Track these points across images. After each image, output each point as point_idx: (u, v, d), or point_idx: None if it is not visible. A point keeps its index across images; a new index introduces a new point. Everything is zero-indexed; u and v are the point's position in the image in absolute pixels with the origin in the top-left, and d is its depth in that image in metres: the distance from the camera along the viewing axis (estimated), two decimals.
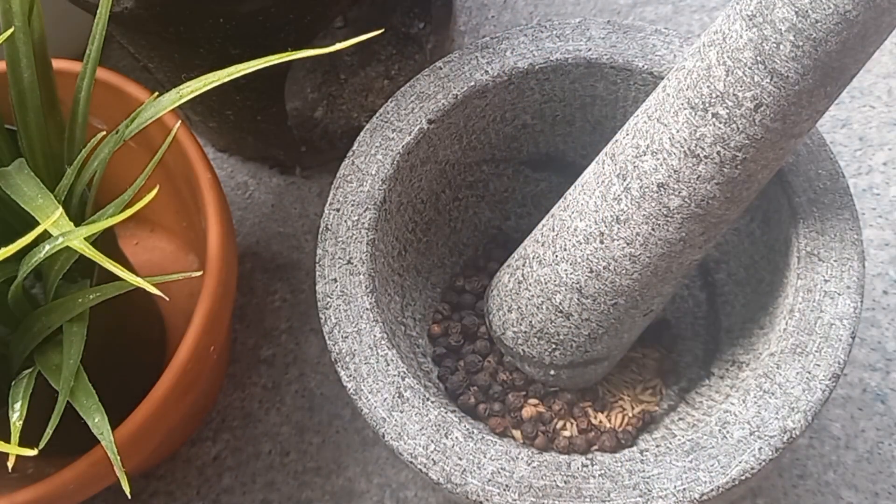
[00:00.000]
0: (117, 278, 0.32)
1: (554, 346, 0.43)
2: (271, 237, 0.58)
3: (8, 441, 0.32)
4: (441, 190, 0.47)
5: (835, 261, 0.39)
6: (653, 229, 0.37)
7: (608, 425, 0.45)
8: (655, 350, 0.47)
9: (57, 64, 0.40)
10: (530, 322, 0.43)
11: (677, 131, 0.35)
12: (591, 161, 0.40)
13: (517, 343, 0.44)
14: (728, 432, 0.36)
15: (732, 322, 0.45)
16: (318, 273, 0.41)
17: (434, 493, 0.50)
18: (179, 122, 0.44)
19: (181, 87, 0.36)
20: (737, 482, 0.35)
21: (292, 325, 0.55)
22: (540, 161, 0.49)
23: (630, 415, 0.45)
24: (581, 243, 0.39)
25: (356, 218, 0.42)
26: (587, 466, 0.36)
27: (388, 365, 0.39)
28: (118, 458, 0.34)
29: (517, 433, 0.44)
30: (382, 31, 0.40)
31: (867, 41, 0.31)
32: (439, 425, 0.37)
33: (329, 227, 0.42)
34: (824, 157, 0.41)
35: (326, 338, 0.40)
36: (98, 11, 0.38)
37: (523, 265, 0.43)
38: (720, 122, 0.34)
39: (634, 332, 0.43)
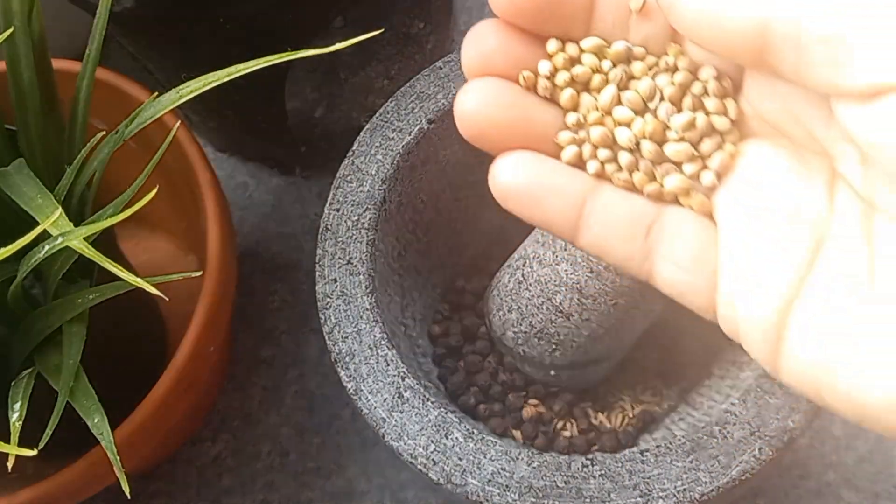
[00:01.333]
0: (117, 278, 0.32)
1: (554, 346, 0.43)
2: (271, 237, 0.58)
3: (8, 441, 0.32)
4: (441, 190, 0.47)
5: None
6: None
7: (608, 425, 0.45)
8: (655, 350, 0.47)
9: (57, 64, 0.40)
10: (530, 322, 0.43)
11: None
12: None
13: (517, 343, 0.44)
14: (728, 432, 0.36)
15: None
16: (318, 273, 0.41)
17: (434, 493, 0.50)
18: (179, 122, 0.44)
19: (181, 87, 0.36)
20: (737, 482, 0.35)
21: (292, 325, 0.55)
22: None
23: (630, 415, 0.45)
24: None
25: (356, 218, 0.42)
26: (587, 467, 0.36)
27: (388, 365, 0.39)
28: (118, 458, 0.34)
29: (517, 433, 0.44)
30: (382, 31, 0.39)
31: None
32: (439, 425, 0.37)
33: (329, 227, 0.42)
34: None
35: (326, 338, 0.40)
36: (98, 11, 0.38)
37: (523, 265, 0.43)
38: None
39: (635, 333, 0.43)
